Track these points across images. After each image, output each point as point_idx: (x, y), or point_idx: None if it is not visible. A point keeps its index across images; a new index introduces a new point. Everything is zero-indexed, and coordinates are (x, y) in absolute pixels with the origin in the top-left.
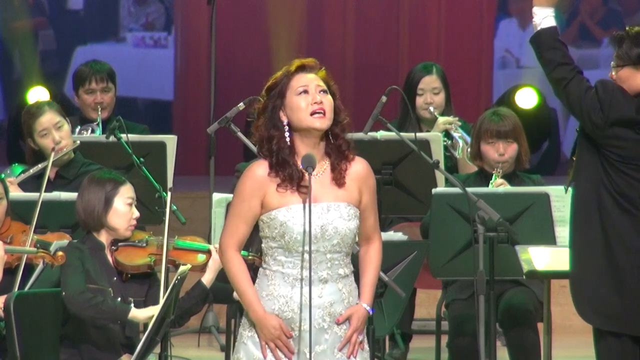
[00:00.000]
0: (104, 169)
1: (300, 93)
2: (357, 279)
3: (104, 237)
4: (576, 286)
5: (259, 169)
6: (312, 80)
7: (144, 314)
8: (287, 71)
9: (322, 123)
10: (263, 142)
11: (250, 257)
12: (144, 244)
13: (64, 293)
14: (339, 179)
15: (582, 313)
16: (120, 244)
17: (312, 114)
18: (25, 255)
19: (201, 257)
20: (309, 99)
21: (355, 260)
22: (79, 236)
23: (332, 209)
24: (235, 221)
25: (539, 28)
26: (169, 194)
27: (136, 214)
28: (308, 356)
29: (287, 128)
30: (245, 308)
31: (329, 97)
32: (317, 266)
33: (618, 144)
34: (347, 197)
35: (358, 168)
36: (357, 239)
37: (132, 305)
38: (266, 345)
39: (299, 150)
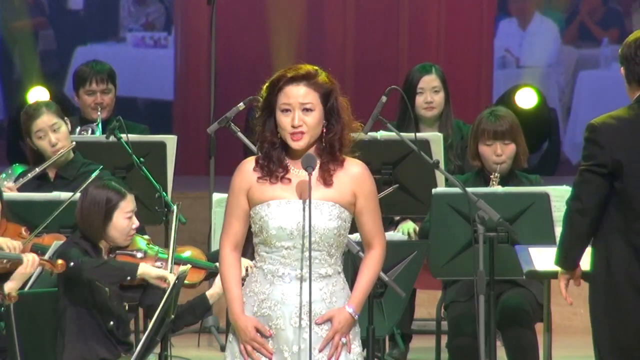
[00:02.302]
0: (106, 178)
1: (284, 111)
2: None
3: (102, 244)
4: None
5: (247, 164)
6: (297, 98)
7: (155, 271)
8: (276, 82)
9: (298, 145)
10: (258, 138)
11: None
12: (142, 255)
13: (71, 264)
14: (325, 178)
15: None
16: (117, 252)
17: (290, 134)
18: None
19: (199, 276)
20: (289, 120)
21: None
22: (78, 236)
23: (312, 207)
24: (228, 218)
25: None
26: (175, 210)
27: (136, 224)
28: (285, 355)
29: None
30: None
31: (313, 113)
32: (295, 263)
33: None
34: (335, 197)
35: (354, 171)
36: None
37: (127, 308)
38: (244, 350)
39: (290, 150)
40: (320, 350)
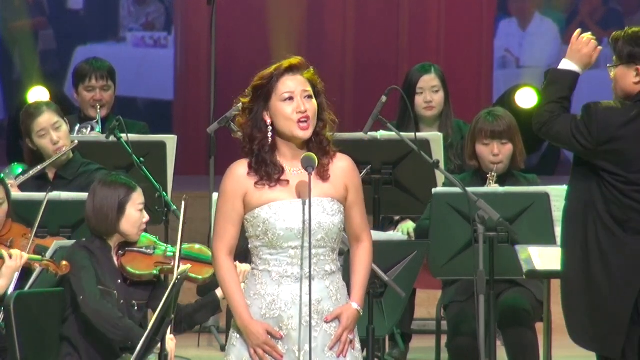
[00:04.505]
0: (114, 173)
1: (286, 99)
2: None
3: (112, 240)
4: (563, 303)
5: (239, 168)
6: (298, 85)
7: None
8: (273, 73)
9: (306, 134)
10: (246, 141)
11: None
12: (151, 252)
13: (81, 297)
14: (322, 174)
15: (569, 331)
16: (127, 248)
17: (297, 122)
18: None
19: (208, 271)
20: (294, 107)
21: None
22: (79, 236)
23: (314, 204)
24: (222, 223)
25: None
26: (182, 208)
27: (146, 218)
28: (297, 355)
29: (270, 128)
30: (233, 314)
31: (314, 101)
32: (303, 262)
33: (616, 158)
34: (332, 192)
35: (343, 165)
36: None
37: (136, 307)
38: (255, 354)
39: (281, 148)
40: (331, 348)
